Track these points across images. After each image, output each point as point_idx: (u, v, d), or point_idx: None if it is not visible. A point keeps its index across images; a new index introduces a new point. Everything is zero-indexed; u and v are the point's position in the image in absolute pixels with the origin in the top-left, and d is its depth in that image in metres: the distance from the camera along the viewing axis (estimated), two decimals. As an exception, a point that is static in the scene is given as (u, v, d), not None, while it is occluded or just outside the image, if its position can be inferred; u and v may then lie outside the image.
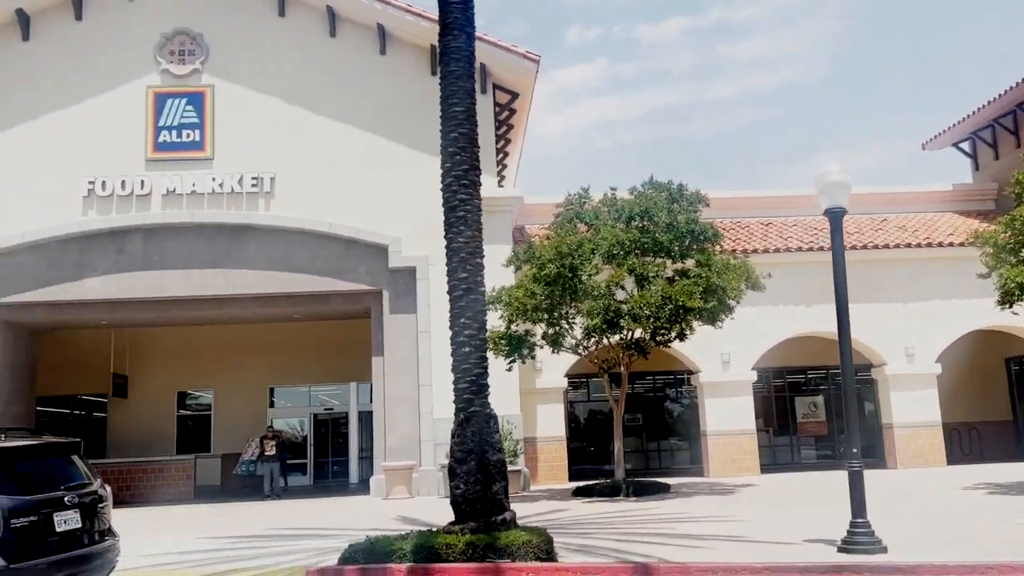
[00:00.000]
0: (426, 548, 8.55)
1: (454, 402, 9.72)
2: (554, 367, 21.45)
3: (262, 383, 25.86)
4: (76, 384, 24.68)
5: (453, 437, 9.47)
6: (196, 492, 22.10)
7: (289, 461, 24.68)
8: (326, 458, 26.89)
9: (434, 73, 20.52)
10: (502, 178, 25.27)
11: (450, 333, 9.93)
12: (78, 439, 8.06)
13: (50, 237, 19.43)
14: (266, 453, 20.76)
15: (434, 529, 9.45)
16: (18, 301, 19.47)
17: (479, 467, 9.15)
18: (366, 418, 26.20)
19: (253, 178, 19.98)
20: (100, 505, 7.55)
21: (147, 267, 19.69)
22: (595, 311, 15.89)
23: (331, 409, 27.01)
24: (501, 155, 23.57)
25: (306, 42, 20.77)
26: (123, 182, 19.70)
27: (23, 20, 20.00)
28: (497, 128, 22.14)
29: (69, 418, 25.17)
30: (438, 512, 14.58)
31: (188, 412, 26.01)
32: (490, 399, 9.80)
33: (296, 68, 20.63)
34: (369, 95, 20.66)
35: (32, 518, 6.67)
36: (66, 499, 7.02)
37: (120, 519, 16.82)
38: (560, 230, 16.94)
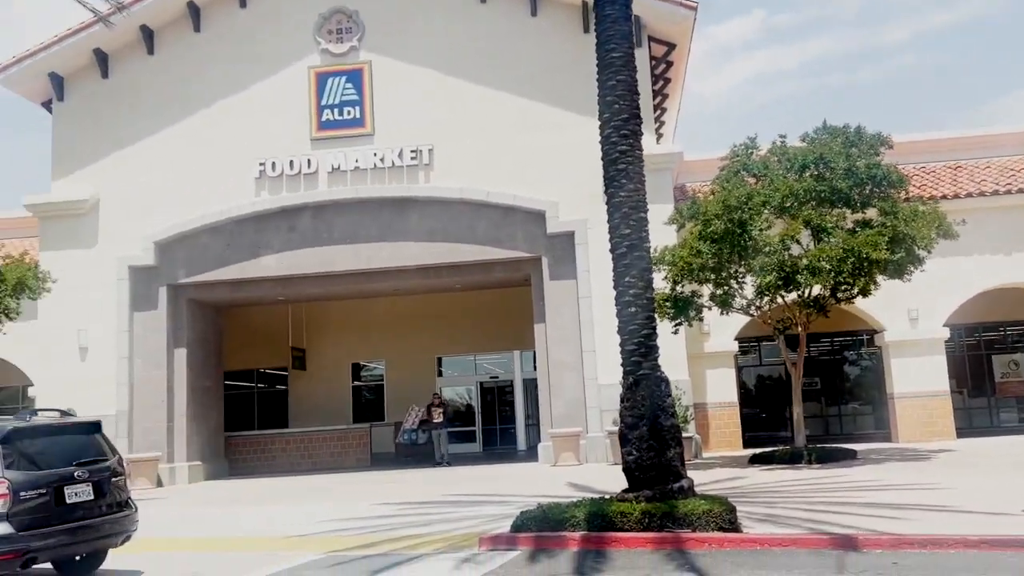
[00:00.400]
0: (600, 516, 8.22)
1: (622, 365, 9.29)
2: (723, 330, 20.58)
3: (430, 353, 26.38)
4: (259, 358, 26.07)
5: (623, 402, 9.05)
6: (372, 459, 22.88)
7: (456, 429, 25.13)
8: (493, 425, 27.19)
9: (587, 31, 20.00)
10: (660, 135, 24.40)
11: (614, 294, 9.47)
12: (98, 420, 8.97)
13: (227, 219, 20.42)
14: (434, 420, 21.10)
15: (607, 497, 9.10)
16: (202, 280, 20.63)
17: (651, 432, 8.70)
18: (531, 385, 26.29)
19: (412, 151, 20.18)
20: (115, 479, 8.30)
21: (317, 243, 20.34)
22: (768, 268, 14.95)
23: (496, 377, 27.24)
24: (658, 111, 22.69)
25: (456, 11, 20.68)
26: (291, 162, 20.39)
27: (194, 12, 20.98)
28: (653, 83, 21.29)
29: (254, 391, 26.65)
30: (608, 479, 14.24)
31: (362, 383, 26.94)
32: (660, 361, 9.30)
33: (448, 38, 20.59)
34: (521, 59, 20.35)
35: (41, 491, 7.53)
36: (76, 474, 7.80)
37: (300, 486, 17.65)
38: (726, 184, 16.04)
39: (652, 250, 16.42)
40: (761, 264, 15.01)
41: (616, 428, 18.61)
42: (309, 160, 20.40)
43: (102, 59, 21.06)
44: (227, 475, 22.03)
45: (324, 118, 20.61)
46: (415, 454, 22.86)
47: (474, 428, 26.95)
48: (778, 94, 64.47)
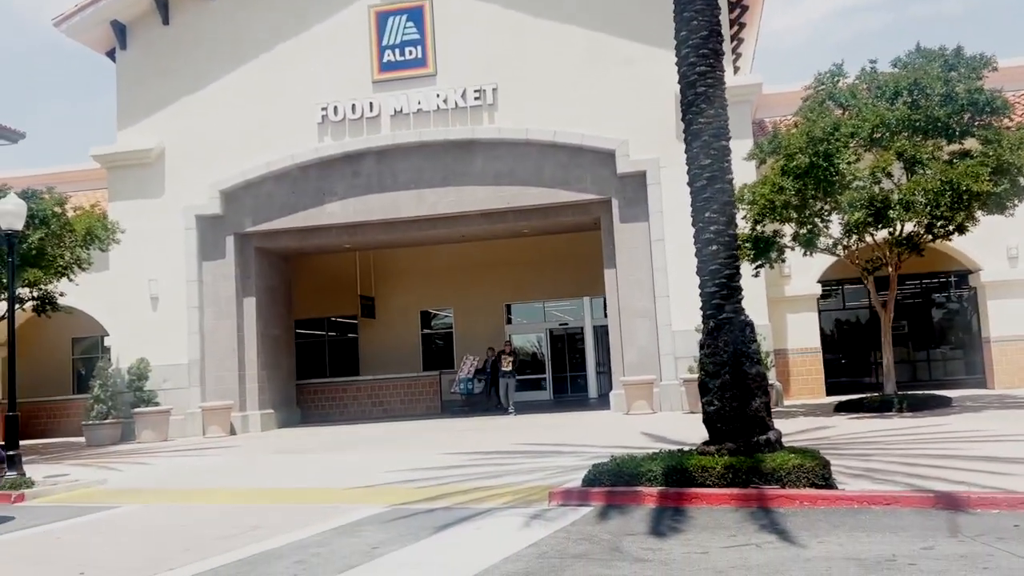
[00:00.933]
0: (678, 470, 7.63)
1: (701, 309, 8.60)
2: (805, 272, 19.59)
3: (498, 301, 25.95)
4: (328, 306, 26.02)
5: (702, 348, 8.38)
6: (442, 407, 22.70)
7: (525, 377, 24.74)
8: (563, 373, 26.74)
9: (658, -43, 18.80)
10: (736, 68, 23.10)
11: (692, 232, 8.74)
12: None
13: (291, 165, 20.12)
14: (503, 368, 20.62)
15: (685, 449, 8.50)
16: (268, 228, 20.47)
17: (734, 380, 8.02)
18: (601, 332, 25.67)
19: (476, 91, 19.47)
20: None
21: (381, 189, 19.92)
22: (857, 203, 13.90)
23: (566, 324, 26.70)
24: (735, 42, 21.39)
25: (520, -59, 19.70)
26: (353, 106, 19.91)
27: (252, -46, 20.49)
28: (730, 13, 19.99)
29: (325, 339, 26.68)
30: (684, 429, 13.64)
31: (431, 331, 26.70)
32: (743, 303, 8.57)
33: (512, -30, 19.66)
34: (589, -10, 19.33)
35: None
36: None
37: (369, 434, 17.51)
38: (810, 114, 14.93)
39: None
40: (849, 200, 13.97)
41: (692, 376, 18.09)
42: (371, 103, 19.89)
43: (163, 5, 20.79)
44: (299, 423, 22.14)
45: (385, 59, 20.02)
46: (466, 405, 22.40)
47: (544, 376, 26.54)
48: (858, 29, 61.25)
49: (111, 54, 21.45)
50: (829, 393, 19.63)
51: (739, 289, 8.45)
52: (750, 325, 8.36)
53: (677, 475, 7.60)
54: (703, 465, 7.58)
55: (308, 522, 7.84)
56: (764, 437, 7.95)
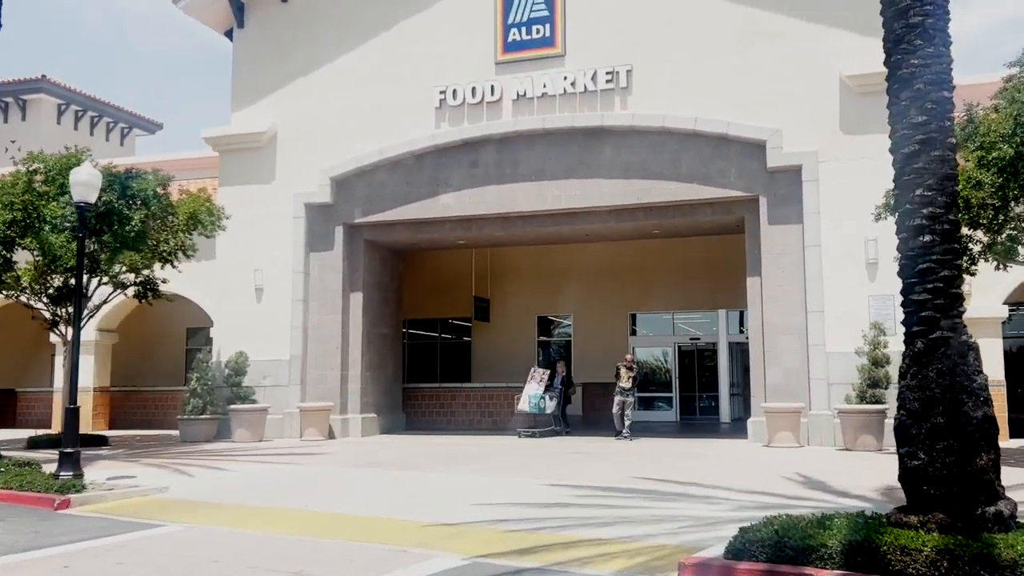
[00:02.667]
0: (866, 548, 5.38)
1: (904, 323, 6.28)
2: (989, 289, 16.54)
3: (622, 309, 23.75)
4: (442, 307, 24.51)
5: (903, 378, 6.07)
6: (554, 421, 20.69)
7: (648, 395, 22.44)
8: (692, 392, 24.28)
9: (824, -80, 16.29)
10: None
11: (896, 216, 6.45)
12: None
13: (405, 152, 18.67)
14: (622, 385, 18.28)
15: (869, 514, 6.20)
16: (379, 220, 19.09)
17: (951, 426, 5.70)
18: (737, 350, 23.14)
19: (607, 73, 17.46)
20: None
21: (500, 180, 18.19)
22: (1082, 205, 11.07)
23: (697, 339, 24.23)
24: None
25: (665, -93, 17.56)
26: (473, 89, 18.27)
27: (375, -73, 19.21)
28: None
29: (437, 341, 25.20)
30: (845, 473, 11.17)
31: (549, 338, 24.79)
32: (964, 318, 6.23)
33: (654, -61, 17.56)
34: (742, -40, 16.98)
35: None
36: None
37: (473, 449, 15.74)
38: (1018, 94, 12.10)
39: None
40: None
41: (849, 407, 15.47)
42: (492, 87, 18.18)
43: (283, -17, 19.82)
44: (403, 429, 20.68)
45: (510, 39, 18.28)
46: (539, 424, 19.08)
47: (670, 395, 24.16)
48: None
49: (229, 34, 20.68)
50: (1013, 435, 16.51)
51: (960, 298, 6.11)
52: (974, 350, 6.01)
53: (865, 556, 5.36)
54: (903, 545, 5.31)
55: (364, 569, 6.05)
56: (993, 509, 5.59)
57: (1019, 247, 12.80)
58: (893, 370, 15.23)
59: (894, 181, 6.43)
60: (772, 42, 16.68)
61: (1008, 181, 11.86)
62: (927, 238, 6.05)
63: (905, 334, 6.24)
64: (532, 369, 19.89)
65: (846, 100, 16.19)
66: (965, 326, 6.13)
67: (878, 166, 15.74)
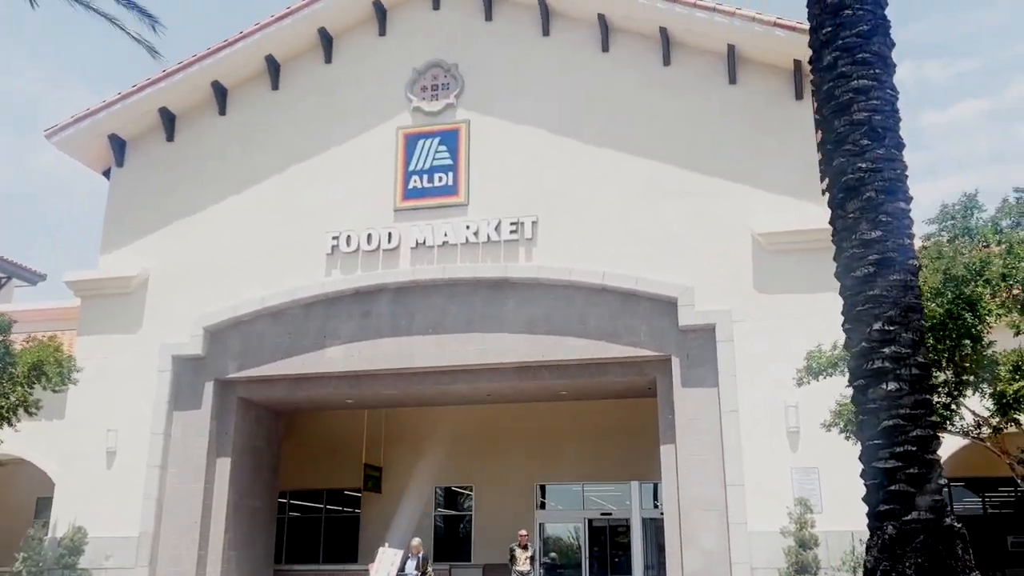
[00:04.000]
0: None
1: (865, 500, 4.81)
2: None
3: (529, 480, 21.77)
4: (328, 476, 22.06)
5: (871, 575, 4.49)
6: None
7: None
8: (605, 574, 22.06)
9: (733, 81, 16.19)
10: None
11: (849, 362, 5.11)
12: None
13: (290, 301, 17.01)
14: (519, 568, 15.98)
15: None
16: (256, 375, 17.11)
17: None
18: (651, 527, 21.24)
19: (512, 223, 16.46)
20: None
21: (394, 333, 16.60)
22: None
23: (609, 514, 22.30)
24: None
25: (572, 62, 17.27)
26: (369, 236, 16.97)
27: (273, 68, 18.34)
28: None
29: (322, 515, 22.55)
30: None
31: (447, 511, 22.48)
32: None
33: (561, 93, 17.14)
34: (648, 115, 16.63)
35: None
36: None
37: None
38: (945, 249, 11.31)
39: (832, 345, 12.05)
40: (1014, 362, 10.16)
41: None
42: (390, 234, 16.94)
43: (169, 120, 18.55)
44: (272, 620, 17.82)
45: (411, 185, 17.24)
46: None
47: (580, 576, 21.89)
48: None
49: (108, 173, 19.10)
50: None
51: (938, 467, 4.67)
52: (962, 537, 4.50)
53: None
54: None
55: None
56: None
57: (954, 414, 11.70)
58: (822, 553, 13.72)
59: (843, 314, 5.14)
60: (682, 198, 16.05)
61: (937, 344, 10.89)
62: (892, 386, 4.71)
63: (869, 516, 4.72)
64: (380, 550, 16.34)
65: (759, 258, 15.46)
66: (947, 505, 4.65)
67: (797, 327, 14.94)
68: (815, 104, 4.72)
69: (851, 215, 4.90)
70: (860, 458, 4.83)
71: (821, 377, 12.17)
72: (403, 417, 21.57)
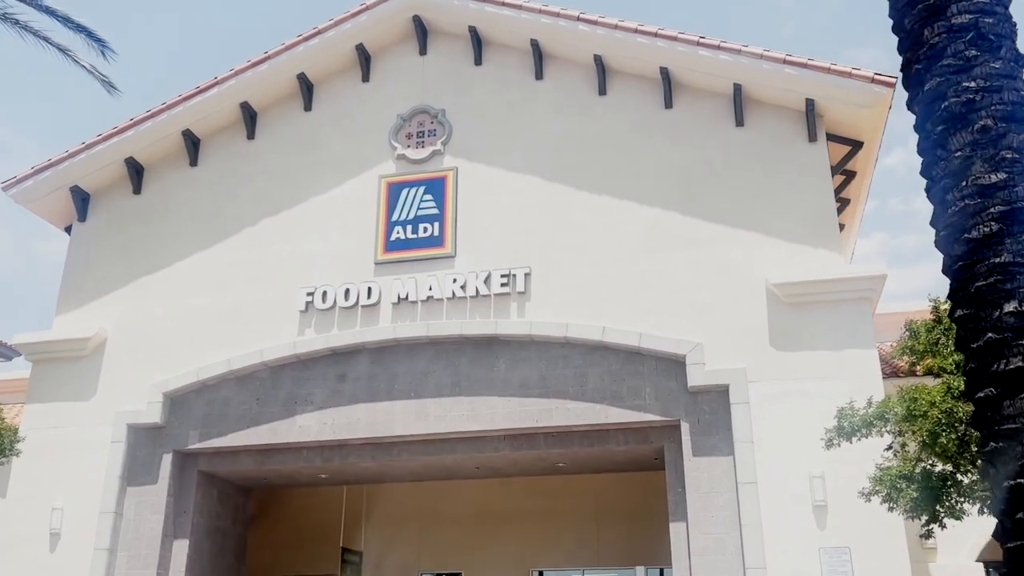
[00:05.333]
0: None
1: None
2: (957, 544, 13.66)
3: (523, 564, 19.76)
4: (302, 561, 20.00)
5: None
6: None
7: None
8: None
9: (740, 124, 15.05)
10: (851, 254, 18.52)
11: (954, 325, 3.59)
12: None
13: (258, 363, 15.45)
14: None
15: None
16: (220, 446, 15.40)
17: None
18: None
19: (503, 275, 15.04)
20: None
21: (372, 397, 15.01)
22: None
23: (613, 604, 20.23)
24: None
25: (568, 106, 16.17)
26: (347, 291, 15.54)
27: (249, 116, 17.22)
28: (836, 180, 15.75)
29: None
30: None
31: (435, 602, 20.40)
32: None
33: (555, 138, 15.97)
34: (650, 160, 15.41)
35: None
36: None
37: None
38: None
39: (867, 402, 10.54)
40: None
41: None
42: (370, 288, 15.50)
43: (136, 171, 17.32)
44: None
45: (393, 237, 15.90)
46: None
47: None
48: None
49: (70, 229, 17.77)
50: None
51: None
52: None
53: None
54: None
55: None
56: None
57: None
58: (861, 649, 11.86)
59: (951, 297, 3.62)
60: (687, 248, 14.68)
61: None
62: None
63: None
64: None
65: (775, 312, 13.99)
66: None
67: (820, 387, 13.35)
68: (892, 14, 3.48)
69: (957, 154, 3.48)
70: (985, 489, 3.33)
71: (855, 439, 10.59)
72: (384, 495, 19.72)
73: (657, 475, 14.99)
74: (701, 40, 15.07)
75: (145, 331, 16.16)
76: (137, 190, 17.35)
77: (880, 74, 14.20)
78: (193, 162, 17.31)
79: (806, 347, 13.67)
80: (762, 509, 12.99)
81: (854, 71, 14.33)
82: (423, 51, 17.11)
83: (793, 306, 13.89)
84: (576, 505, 18.82)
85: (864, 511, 11.71)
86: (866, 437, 10.41)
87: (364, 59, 17.16)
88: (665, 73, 15.53)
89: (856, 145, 15.49)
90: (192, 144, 17.27)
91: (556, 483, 18.10)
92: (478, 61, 16.81)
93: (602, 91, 16.03)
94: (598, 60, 15.91)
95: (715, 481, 13.45)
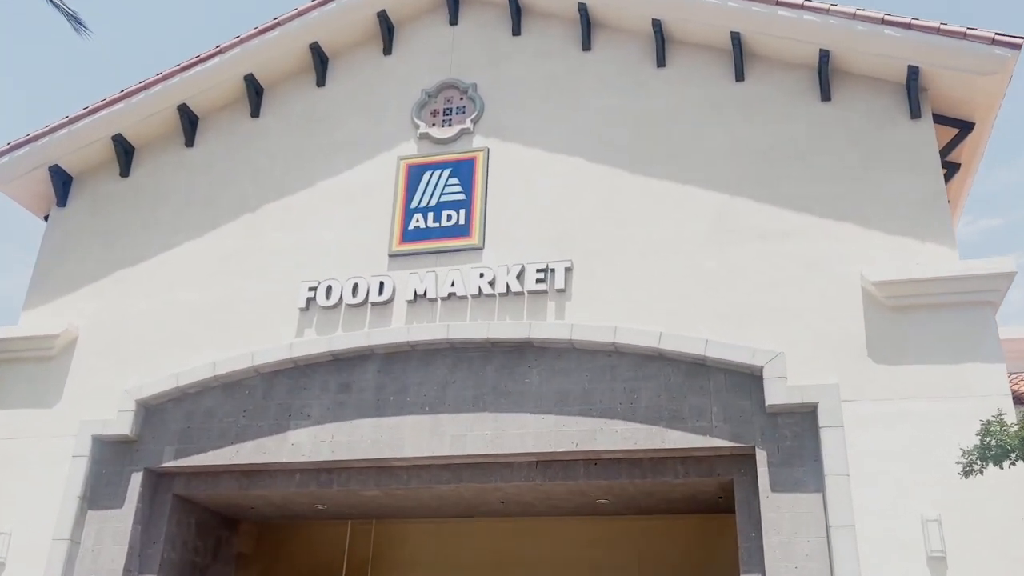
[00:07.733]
0: None
1: None
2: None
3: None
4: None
5: None
6: None
7: None
8: None
9: (826, 98, 12.64)
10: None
11: None
12: None
13: (250, 367, 13.09)
14: None
15: None
16: (199, 465, 12.96)
17: None
18: None
19: (539, 270, 12.61)
20: None
21: (379, 411, 12.53)
22: None
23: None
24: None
25: (620, 80, 13.87)
26: (355, 286, 13.20)
27: (254, 91, 15.17)
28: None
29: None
30: None
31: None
32: None
33: (604, 116, 13.66)
34: (717, 140, 13.01)
35: None
36: None
37: None
38: None
39: (995, 418, 7.92)
40: None
41: None
42: (382, 284, 13.15)
43: (125, 151, 15.28)
44: None
45: (412, 225, 13.59)
46: None
47: None
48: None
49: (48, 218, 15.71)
50: None
51: None
52: None
53: None
54: None
55: None
56: None
57: None
58: None
59: None
60: (763, 240, 12.18)
61: None
62: None
63: None
64: None
65: (873, 316, 11.37)
66: None
67: (933, 408, 10.64)
68: None
69: None
70: None
71: (1007, 463, 7.96)
72: (395, 535, 16.93)
73: (725, 519, 12.28)
74: (781, 0, 12.76)
75: (122, 329, 13.92)
76: (125, 172, 15.28)
77: (1002, 34, 11.73)
78: (189, 142, 15.24)
79: (913, 360, 11.02)
80: (861, 560, 10.23)
81: (969, 31, 11.89)
82: (454, 20, 15.02)
83: (896, 310, 11.29)
84: (622, 554, 15.84)
85: (996, 564, 9.10)
86: (1022, 459, 7.80)
87: (387, 29, 15.08)
88: (737, 40, 13.20)
89: (965, 128, 12.95)
90: (189, 122, 15.22)
91: (598, 528, 15.23)
92: (516, 31, 14.67)
93: (660, 62, 13.74)
94: (657, 26, 13.64)
95: (799, 524, 10.72)
